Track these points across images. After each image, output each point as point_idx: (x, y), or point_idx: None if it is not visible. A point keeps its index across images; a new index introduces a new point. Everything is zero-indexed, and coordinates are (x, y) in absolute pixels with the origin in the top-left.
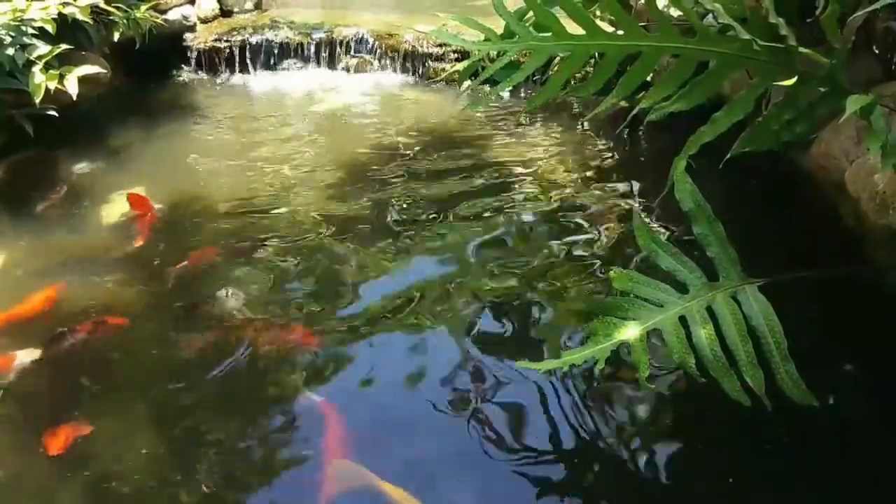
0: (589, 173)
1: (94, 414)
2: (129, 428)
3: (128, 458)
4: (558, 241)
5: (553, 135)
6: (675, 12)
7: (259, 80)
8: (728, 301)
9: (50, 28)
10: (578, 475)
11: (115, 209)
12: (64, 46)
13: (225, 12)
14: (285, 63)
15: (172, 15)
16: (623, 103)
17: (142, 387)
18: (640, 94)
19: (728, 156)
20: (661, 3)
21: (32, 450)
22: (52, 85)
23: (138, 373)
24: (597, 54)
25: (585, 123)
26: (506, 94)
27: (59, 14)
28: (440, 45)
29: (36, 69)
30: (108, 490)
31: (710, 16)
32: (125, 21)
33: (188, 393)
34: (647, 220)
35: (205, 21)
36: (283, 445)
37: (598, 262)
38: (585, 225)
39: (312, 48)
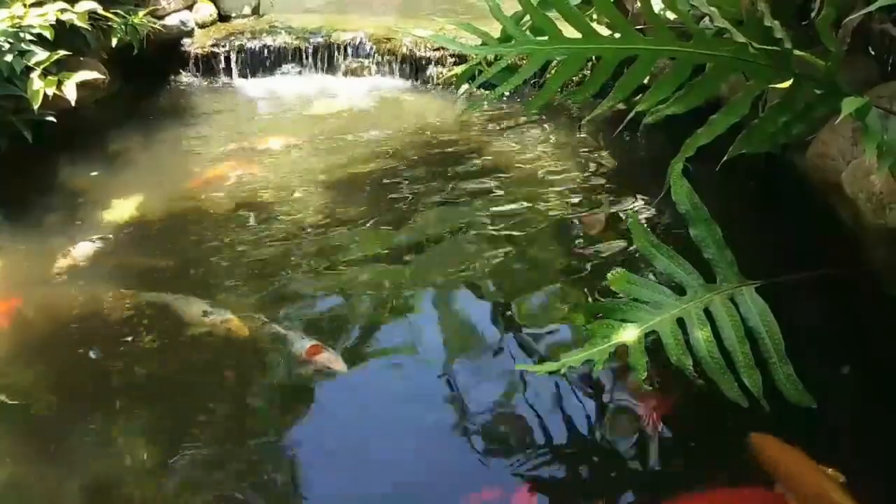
0: (586, 176)
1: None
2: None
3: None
4: (556, 243)
5: (550, 138)
6: (671, 15)
7: (257, 85)
8: (725, 303)
9: (48, 34)
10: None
11: (115, 213)
12: (62, 52)
13: (223, 17)
14: (283, 67)
15: (170, 20)
16: (620, 106)
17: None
18: (638, 97)
19: (725, 158)
20: (656, 7)
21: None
22: (51, 91)
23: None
24: (593, 57)
25: (583, 126)
26: (503, 98)
27: (57, 20)
28: (438, 50)
29: (34, 75)
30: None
31: (706, 19)
32: (123, 27)
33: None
34: (645, 222)
35: (203, 26)
36: None
37: (596, 265)
38: (583, 227)
39: (310, 53)
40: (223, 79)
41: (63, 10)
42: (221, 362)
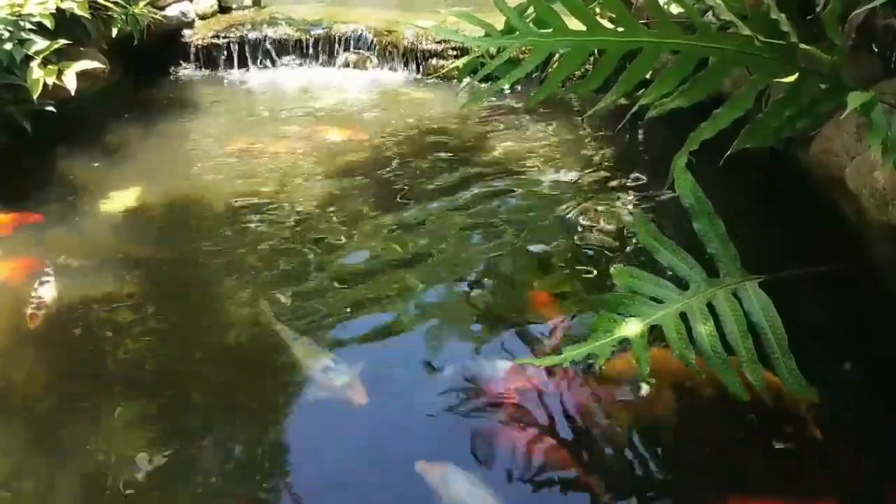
0: (589, 170)
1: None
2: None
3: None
4: (558, 238)
5: (553, 132)
6: (675, 9)
7: (257, 77)
8: (729, 297)
9: (48, 23)
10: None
11: (114, 205)
12: (62, 42)
13: (223, 8)
14: (284, 59)
15: (171, 11)
16: (623, 100)
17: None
18: (641, 91)
19: (728, 152)
20: (661, 0)
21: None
22: (51, 80)
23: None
24: (597, 51)
25: (585, 120)
26: (505, 91)
27: (58, 9)
28: (440, 42)
29: (34, 64)
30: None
31: (710, 13)
32: (123, 17)
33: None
34: (648, 216)
35: (203, 17)
36: None
37: (599, 259)
38: (586, 221)
39: (311, 44)
40: (223, 70)
41: None
42: (222, 355)
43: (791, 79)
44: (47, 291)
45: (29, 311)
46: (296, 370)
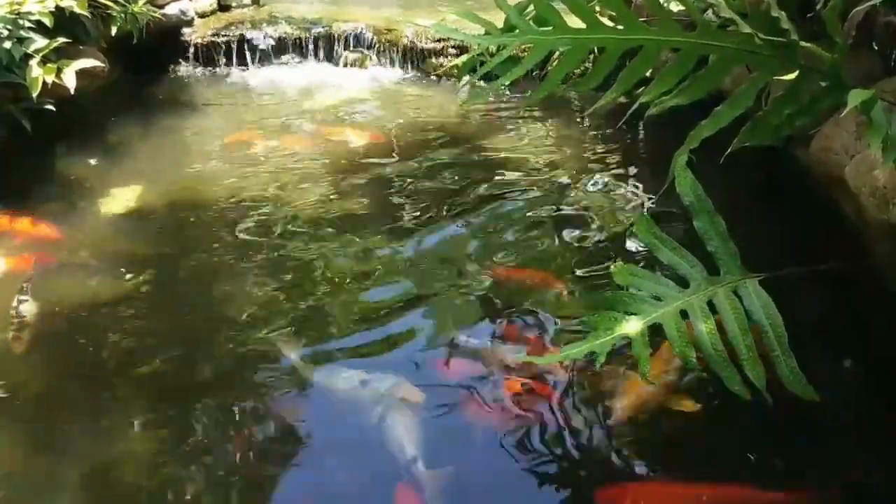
0: (589, 168)
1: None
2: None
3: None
4: (558, 236)
5: (552, 130)
6: (675, 7)
7: (257, 75)
8: (729, 295)
9: (47, 21)
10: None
11: (114, 204)
12: (61, 40)
13: (223, 7)
14: (283, 58)
15: (170, 9)
16: (623, 98)
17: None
18: (641, 89)
19: (728, 150)
20: None
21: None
22: (50, 79)
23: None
24: (596, 49)
25: (585, 118)
26: (505, 90)
27: (57, 7)
28: (439, 40)
29: (33, 63)
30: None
31: (711, 10)
32: (123, 15)
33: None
34: (648, 214)
35: (203, 16)
36: None
37: (599, 257)
38: (585, 219)
39: (311, 43)
40: (223, 68)
41: None
42: (224, 356)
43: (791, 77)
44: (28, 309)
45: (11, 334)
46: (311, 384)
